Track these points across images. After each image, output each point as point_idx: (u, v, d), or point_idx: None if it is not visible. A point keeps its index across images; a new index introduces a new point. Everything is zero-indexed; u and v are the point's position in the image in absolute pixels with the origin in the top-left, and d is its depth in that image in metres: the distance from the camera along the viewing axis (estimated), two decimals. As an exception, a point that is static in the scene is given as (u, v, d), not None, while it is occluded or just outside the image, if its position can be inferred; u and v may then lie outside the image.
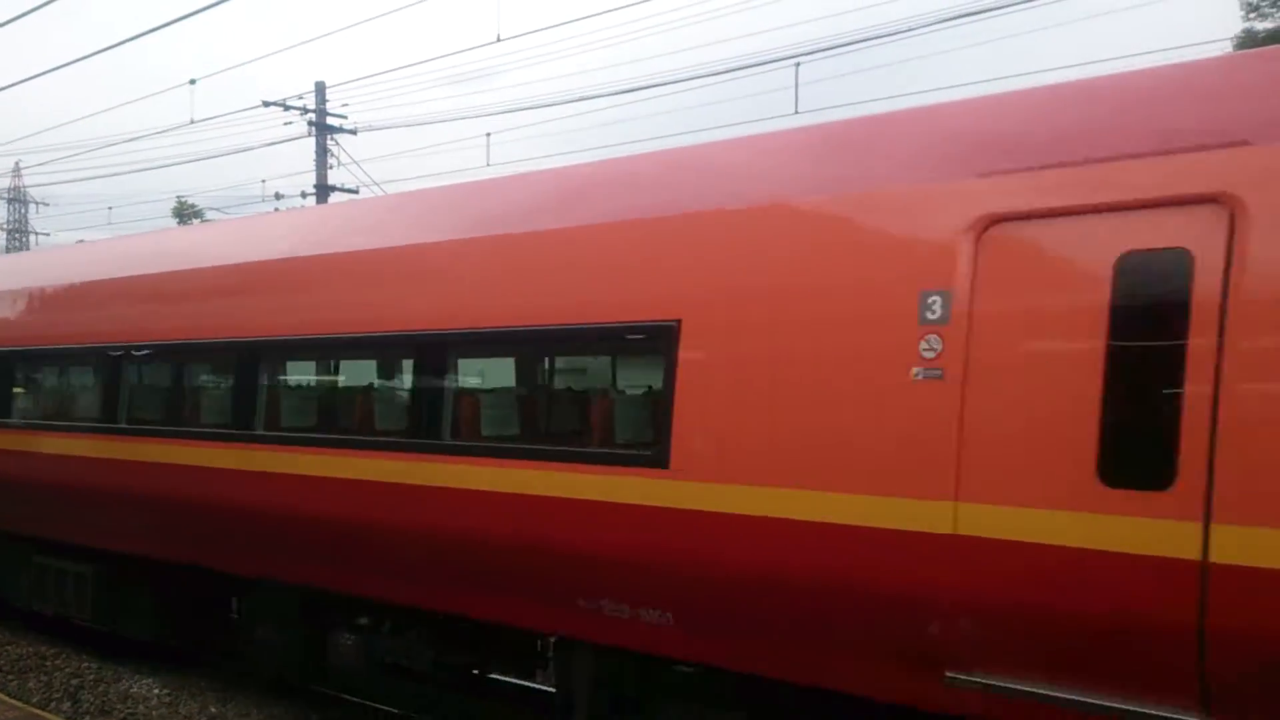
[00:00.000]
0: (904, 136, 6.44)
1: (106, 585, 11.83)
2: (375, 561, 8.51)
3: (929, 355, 5.75)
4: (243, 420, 9.52)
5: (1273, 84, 5.34)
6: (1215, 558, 4.89)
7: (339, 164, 32.74)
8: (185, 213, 51.85)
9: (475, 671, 9.24)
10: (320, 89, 32.56)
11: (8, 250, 56.32)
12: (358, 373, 10.40)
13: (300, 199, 33.30)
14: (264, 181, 54.48)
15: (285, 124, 36.22)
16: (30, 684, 11.75)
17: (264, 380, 9.52)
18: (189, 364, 11.01)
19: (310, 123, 32.47)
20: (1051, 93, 6.13)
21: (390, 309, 8.40)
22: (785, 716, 6.88)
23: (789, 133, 7.29)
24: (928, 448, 5.67)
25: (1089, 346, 5.33)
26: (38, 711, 10.64)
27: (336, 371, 11.14)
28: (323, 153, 32.54)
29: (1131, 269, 5.26)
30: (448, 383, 8.15)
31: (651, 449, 6.74)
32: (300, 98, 32.44)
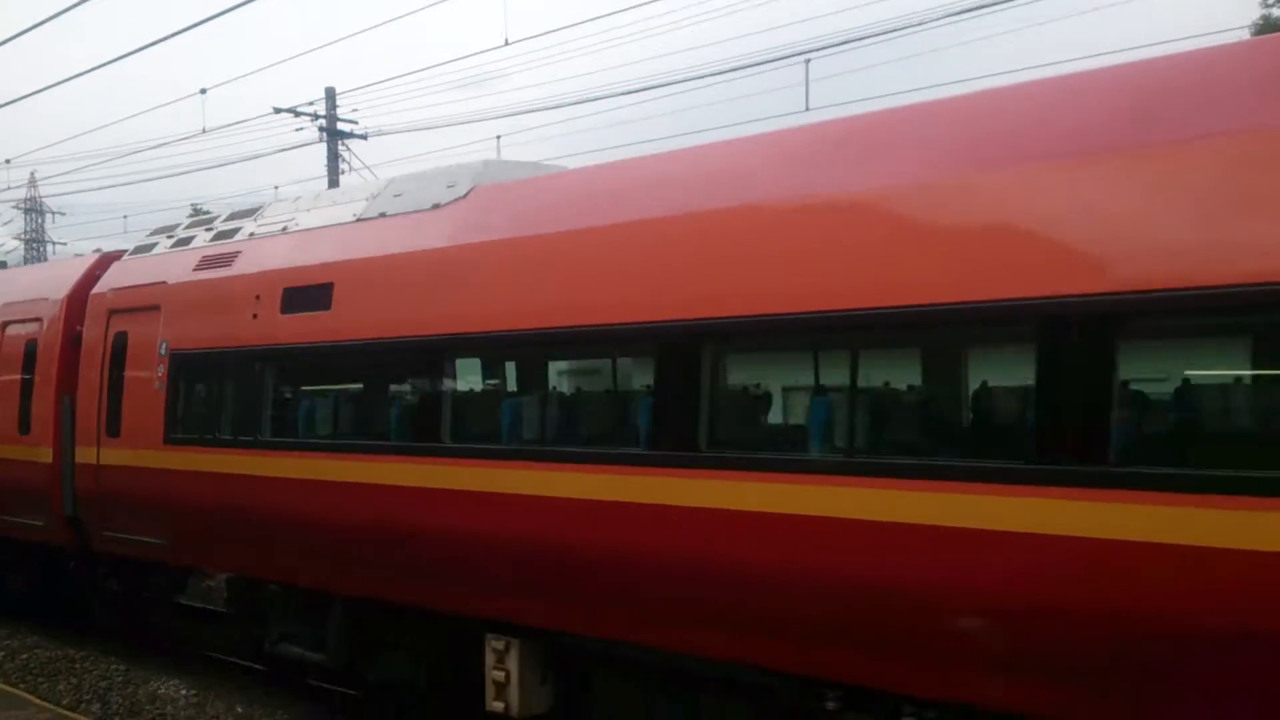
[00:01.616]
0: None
1: None
2: None
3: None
4: None
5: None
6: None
7: (350, 169, 32.88)
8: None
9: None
10: (330, 95, 32.68)
11: (25, 261, 56.55)
12: None
13: (314, 204, 33.34)
14: (277, 188, 54.63)
15: (296, 130, 36.50)
16: (60, 686, 11.93)
17: None
18: None
19: (321, 128, 32.61)
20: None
21: None
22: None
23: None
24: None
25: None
26: (67, 713, 10.81)
27: None
28: (334, 158, 32.66)
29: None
30: None
31: None
32: (311, 104, 32.57)
